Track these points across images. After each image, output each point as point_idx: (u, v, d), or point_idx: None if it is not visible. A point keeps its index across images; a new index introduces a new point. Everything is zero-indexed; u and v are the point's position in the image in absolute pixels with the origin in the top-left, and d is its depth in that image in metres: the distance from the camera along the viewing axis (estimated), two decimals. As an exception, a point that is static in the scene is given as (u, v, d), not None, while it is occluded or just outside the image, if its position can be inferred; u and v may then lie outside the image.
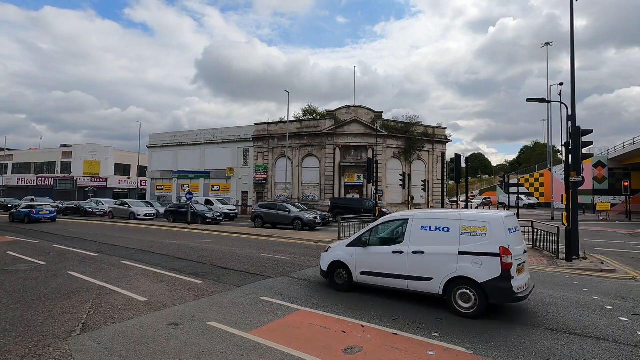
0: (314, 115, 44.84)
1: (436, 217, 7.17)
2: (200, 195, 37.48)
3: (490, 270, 6.27)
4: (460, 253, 6.58)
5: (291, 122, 37.00)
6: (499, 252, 6.24)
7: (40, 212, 25.97)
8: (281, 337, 5.40)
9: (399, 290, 7.32)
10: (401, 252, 7.20)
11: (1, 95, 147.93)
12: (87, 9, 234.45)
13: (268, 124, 39.25)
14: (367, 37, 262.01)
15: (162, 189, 45.24)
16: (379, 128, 35.58)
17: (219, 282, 8.77)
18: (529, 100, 14.08)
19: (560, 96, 34.56)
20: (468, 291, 6.42)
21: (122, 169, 59.44)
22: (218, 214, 27.08)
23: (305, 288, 8.31)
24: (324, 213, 26.11)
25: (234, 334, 5.51)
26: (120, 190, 56.54)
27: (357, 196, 34.36)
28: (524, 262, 6.77)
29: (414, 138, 36.68)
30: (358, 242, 8.01)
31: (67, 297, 7.47)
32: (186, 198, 25.22)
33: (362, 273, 7.80)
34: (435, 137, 38.74)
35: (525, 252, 6.99)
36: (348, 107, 36.95)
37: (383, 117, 36.93)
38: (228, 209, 30.07)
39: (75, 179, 51.26)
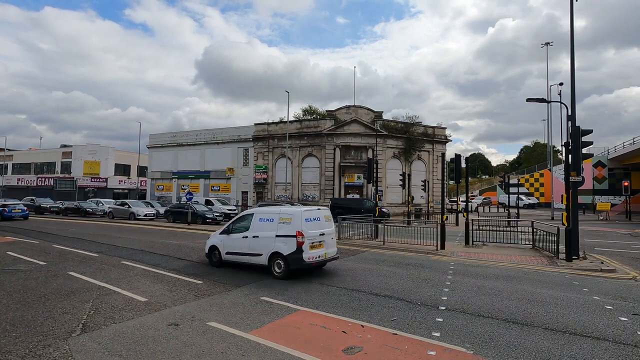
0: (314, 116, 44.86)
1: (267, 212, 10.06)
2: (200, 196, 37.51)
3: (290, 246, 9.07)
4: (277, 236, 9.37)
5: (291, 122, 37.02)
6: (294, 234, 9.04)
7: (13, 211, 27.91)
8: (281, 337, 5.40)
9: (247, 264, 10.04)
10: (246, 237, 9.96)
11: (1, 95, 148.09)
12: (88, 10, 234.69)
13: (268, 124, 39.25)
14: (367, 38, 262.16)
15: (162, 189, 45.25)
16: (379, 128, 35.59)
17: (219, 282, 8.78)
18: (529, 100, 14.08)
19: (560, 96, 34.57)
20: (280, 261, 9.19)
21: (122, 169, 59.42)
22: (218, 214, 27.08)
23: (305, 288, 8.32)
24: (324, 213, 26.08)
25: (234, 334, 5.52)
26: (120, 191, 56.52)
27: (357, 196, 34.38)
28: (320, 242, 9.49)
29: (414, 138, 36.69)
30: (225, 231, 10.70)
31: (67, 297, 7.48)
32: (186, 198, 25.21)
33: (227, 253, 10.42)
34: (435, 137, 38.75)
35: (322, 234, 9.60)
36: (348, 107, 36.97)
37: (383, 117, 36.95)
38: (228, 209, 30.06)
39: (75, 179, 51.24)
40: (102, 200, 36.22)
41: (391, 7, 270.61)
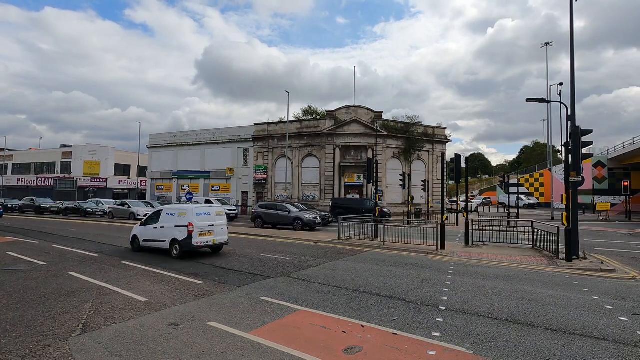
0: (314, 116, 44.85)
1: (171, 208, 13.19)
2: (200, 196, 37.51)
3: (183, 234, 11.96)
4: (175, 226, 12.25)
5: (291, 122, 37.02)
6: (187, 225, 11.94)
7: None
8: (281, 337, 5.41)
9: (156, 248, 12.91)
10: (156, 228, 12.86)
11: (2, 95, 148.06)
12: (88, 10, 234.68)
13: (268, 124, 39.25)
14: (367, 38, 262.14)
15: (162, 189, 45.23)
16: (378, 128, 35.59)
17: (219, 283, 8.78)
18: (528, 100, 14.09)
19: (560, 96, 34.57)
20: (177, 245, 12.07)
21: (122, 169, 59.42)
22: (218, 214, 27.05)
23: (306, 288, 8.32)
24: (324, 213, 26.12)
25: (234, 334, 5.52)
26: (120, 191, 56.53)
27: (357, 196, 34.38)
28: (209, 231, 12.32)
29: (414, 138, 36.68)
30: (143, 224, 13.60)
31: (68, 297, 7.48)
32: (186, 198, 25.22)
33: (144, 240, 13.33)
34: (435, 137, 38.75)
35: (211, 225, 12.42)
36: (348, 107, 36.96)
37: (383, 117, 36.95)
38: (228, 209, 30.06)
39: (75, 179, 51.28)
40: (102, 200, 36.24)
41: (391, 8, 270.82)
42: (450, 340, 5.38)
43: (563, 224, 12.21)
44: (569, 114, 12.60)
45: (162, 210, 13.30)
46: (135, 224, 15.60)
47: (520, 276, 9.77)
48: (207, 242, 12.25)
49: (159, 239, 12.72)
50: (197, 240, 11.97)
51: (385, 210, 28.43)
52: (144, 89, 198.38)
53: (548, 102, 20.12)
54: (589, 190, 42.47)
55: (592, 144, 12.87)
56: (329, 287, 8.38)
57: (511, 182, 34.06)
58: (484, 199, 54.22)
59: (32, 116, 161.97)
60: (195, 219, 12.07)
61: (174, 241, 12.17)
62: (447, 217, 19.81)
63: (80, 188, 49.26)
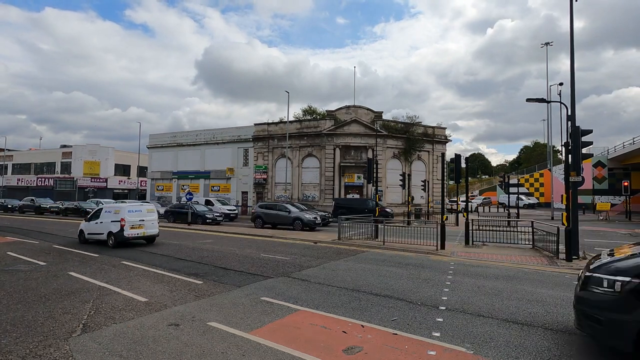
0: (314, 116, 44.86)
1: (109, 207, 15.71)
2: (200, 196, 37.48)
3: (117, 227, 14.39)
4: (111, 221, 14.62)
5: (291, 122, 37.02)
6: (120, 220, 14.33)
7: None
8: (281, 337, 5.41)
9: (97, 239, 15.22)
10: (97, 223, 15.24)
11: (2, 95, 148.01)
12: (88, 10, 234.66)
13: (268, 124, 39.26)
14: (366, 38, 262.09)
15: (162, 190, 45.24)
16: (378, 128, 35.59)
17: (219, 283, 8.78)
18: (528, 100, 14.09)
19: (560, 96, 34.56)
20: (112, 236, 14.44)
21: (122, 170, 59.44)
22: (218, 214, 27.10)
23: (306, 288, 8.32)
24: (324, 213, 26.12)
25: (234, 334, 5.52)
26: (120, 191, 56.54)
27: (357, 196, 34.39)
28: (139, 225, 14.76)
29: (414, 138, 36.69)
30: (87, 220, 15.97)
31: (68, 297, 7.49)
32: (186, 198, 25.24)
33: (88, 234, 15.59)
34: (435, 137, 38.76)
35: (142, 220, 14.86)
36: (348, 107, 36.97)
37: (383, 117, 36.96)
38: (228, 210, 30.08)
39: (75, 179, 51.28)
40: (102, 200, 36.21)
41: (391, 8, 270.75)
42: (450, 340, 5.38)
43: (563, 224, 12.21)
44: (569, 114, 12.60)
45: (102, 208, 15.76)
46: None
47: (520, 276, 9.78)
48: (138, 233, 14.76)
49: (99, 232, 15.07)
50: (128, 233, 14.42)
51: (387, 210, 28.43)
52: (144, 89, 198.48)
53: (548, 102, 20.12)
54: (589, 190, 42.47)
55: (592, 144, 12.86)
56: (329, 287, 8.38)
57: (511, 182, 34.07)
58: (484, 199, 54.21)
59: (32, 116, 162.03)
60: (127, 215, 14.49)
61: (110, 233, 14.55)
62: (447, 217, 19.81)
63: (80, 188, 49.26)
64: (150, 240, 15.53)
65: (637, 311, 4.36)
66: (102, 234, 14.84)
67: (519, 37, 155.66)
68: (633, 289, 4.44)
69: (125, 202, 25.51)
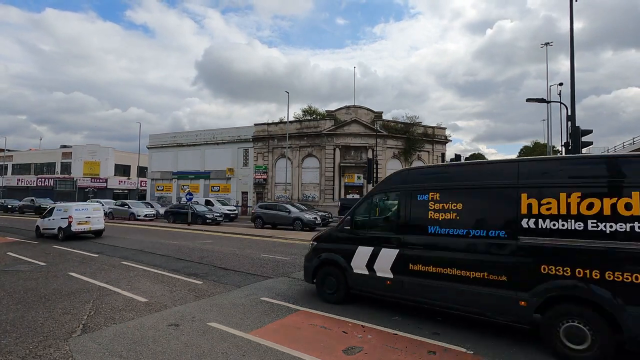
0: (314, 116, 44.86)
1: (60, 206, 18.19)
2: (200, 196, 37.48)
3: (65, 223, 16.61)
4: (61, 218, 16.86)
5: (291, 122, 37.03)
6: (68, 217, 16.63)
7: None
8: (282, 338, 5.41)
9: (49, 234, 17.29)
10: (49, 219, 17.43)
11: (2, 96, 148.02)
12: (89, 11, 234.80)
13: (268, 124, 39.26)
14: (366, 39, 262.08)
15: (162, 190, 45.24)
16: (378, 128, 35.60)
17: (219, 283, 8.77)
18: (529, 100, 14.10)
19: (560, 96, 34.55)
20: (62, 231, 16.67)
21: (122, 170, 59.44)
22: (218, 214, 27.10)
23: (306, 288, 8.32)
24: (324, 213, 26.12)
25: (234, 335, 5.52)
26: (120, 191, 56.53)
27: (357, 196, 34.37)
28: (85, 221, 17.11)
29: (414, 138, 36.69)
30: (43, 217, 18.12)
31: (68, 297, 7.48)
32: (186, 199, 25.23)
33: (43, 229, 17.66)
34: (435, 137, 38.76)
35: (88, 217, 17.24)
36: (348, 107, 36.97)
37: (383, 118, 36.96)
38: (228, 210, 30.08)
39: (75, 179, 51.24)
40: (102, 200, 36.21)
41: (391, 8, 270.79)
42: (450, 340, 5.37)
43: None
44: (569, 114, 12.61)
45: (54, 207, 18.32)
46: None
47: (520, 276, 9.75)
48: (84, 229, 17.13)
49: (51, 227, 17.23)
50: (75, 228, 16.73)
51: None
52: (144, 90, 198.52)
53: (548, 102, 20.15)
54: (589, 190, 42.40)
55: (592, 144, 12.88)
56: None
57: (511, 182, 33.99)
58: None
59: (33, 117, 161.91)
60: (75, 213, 16.89)
61: (59, 228, 16.78)
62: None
63: (80, 188, 49.23)
64: (97, 234, 17.86)
65: (312, 261, 7.62)
66: (54, 229, 17.00)
67: (518, 38, 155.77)
68: (313, 248, 7.76)
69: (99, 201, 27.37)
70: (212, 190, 41.02)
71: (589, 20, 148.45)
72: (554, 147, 43.72)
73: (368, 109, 37.10)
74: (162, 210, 30.04)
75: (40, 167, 60.59)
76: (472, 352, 5.00)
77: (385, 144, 35.88)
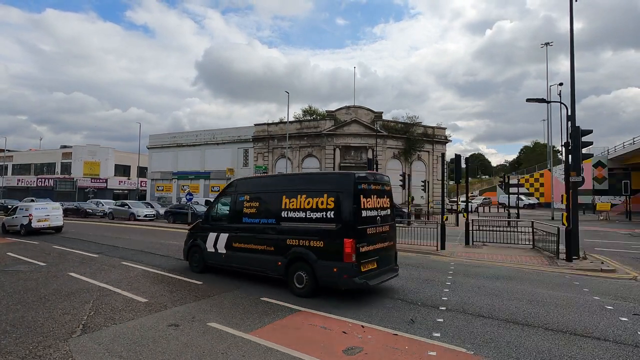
0: (314, 116, 44.88)
1: (22, 205, 20.50)
2: (200, 196, 37.48)
3: (26, 221, 18.72)
4: (23, 216, 18.88)
5: (291, 122, 37.02)
6: (28, 215, 18.75)
7: None
8: (282, 338, 5.40)
9: (14, 230, 19.16)
10: (13, 217, 19.51)
11: (2, 96, 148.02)
12: (89, 11, 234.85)
13: (268, 124, 39.25)
14: (366, 39, 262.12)
15: (162, 190, 45.22)
16: (378, 128, 35.59)
17: (219, 283, 8.76)
18: (528, 100, 14.07)
19: (560, 96, 34.53)
20: (23, 227, 18.71)
21: (122, 170, 59.40)
22: (218, 214, 26.99)
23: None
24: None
25: (234, 335, 5.51)
26: (120, 191, 56.47)
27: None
28: (45, 218, 19.08)
29: (414, 138, 36.68)
30: (7, 215, 20.33)
31: (68, 298, 7.47)
32: (186, 199, 25.19)
33: (8, 226, 19.63)
34: (435, 137, 38.75)
35: (47, 215, 19.29)
36: (348, 107, 36.96)
37: (383, 118, 36.95)
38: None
39: (75, 179, 51.20)
40: (102, 200, 36.21)
41: (391, 8, 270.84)
42: (450, 340, 5.37)
43: (563, 224, 12.19)
44: (569, 114, 12.59)
45: (17, 206, 20.52)
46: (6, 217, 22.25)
47: (520, 276, 9.76)
48: (44, 225, 19.06)
49: (14, 224, 19.34)
50: (35, 225, 18.77)
51: (404, 210, 27.71)
52: (144, 90, 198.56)
53: (548, 102, 20.11)
54: (589, 191, 42.39)
55: (592, 144, 12.83)
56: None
57: (511, 182, 34.00)
58: (484, 199, 54.13)
59: (33, 117, 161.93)
60: (34, 212, 19.00)
61: (21, 225, 18.86)
62: (447, 217, 19.79)
63: (80, 189, 49.19)
64: (57, 230, 19.73)
65: (187, 244, 10.26)
66: (17, 225, 19.16)
67: (518, 38, 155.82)
68: (187, 234, 10.48)
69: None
70: (212, 191, 40.98)
71: (588, 20, 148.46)
72: (554, 147, 43.58)
73: (368, 109, 37.09)
74: (162, 211, 29.97)
75: (40, 168, 60.56)
76: (472, 353, 4.99)
77: (385, 144, 35.87)
